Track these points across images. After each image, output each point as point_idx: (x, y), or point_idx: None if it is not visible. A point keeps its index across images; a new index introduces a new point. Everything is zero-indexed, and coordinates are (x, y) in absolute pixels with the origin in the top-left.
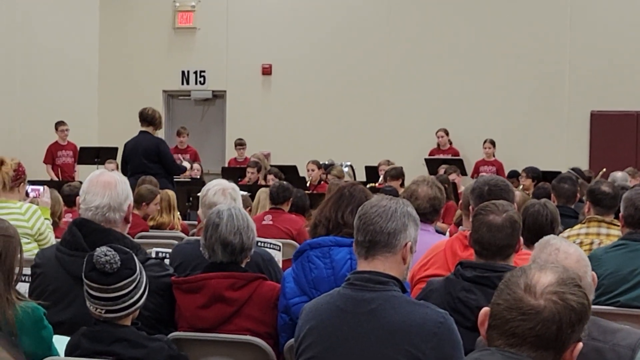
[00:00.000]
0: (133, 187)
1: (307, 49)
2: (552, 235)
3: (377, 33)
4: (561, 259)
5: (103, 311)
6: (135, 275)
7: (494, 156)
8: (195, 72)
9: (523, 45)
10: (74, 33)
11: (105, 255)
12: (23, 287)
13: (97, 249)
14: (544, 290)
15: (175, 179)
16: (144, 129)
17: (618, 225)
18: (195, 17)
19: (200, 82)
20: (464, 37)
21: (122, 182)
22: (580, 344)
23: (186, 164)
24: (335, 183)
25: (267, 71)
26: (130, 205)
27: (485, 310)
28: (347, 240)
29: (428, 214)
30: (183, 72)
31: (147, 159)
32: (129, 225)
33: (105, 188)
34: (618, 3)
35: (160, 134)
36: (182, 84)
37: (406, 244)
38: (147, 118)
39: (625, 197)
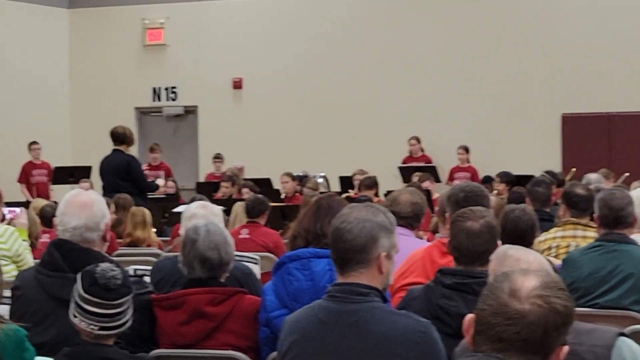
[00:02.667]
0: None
1: (277, 61)
2: (507, 246)
3: (347, 43)
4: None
5: (97, 328)
6: (132, 294)
7: (468, 162)
8: (167, 89)
9: (493, 51)
10: (43, 52)
11: (112, 270)
12: (2, 310)
13: (100, 264)
14: (529, 294)
15: (149, 196)
16: (116, 147)
17: (594, 227)
18: (164, 33)
19: (171, 98)
20: (433, 45)
21: (98, 202)
22: (566, 347)
23: (160, 181)
24: (310, 195)
25: (237, 85)
26: (108, 224)
27: (470, 316)
28: (327, 252)
29: (409, 219)
30: (154, 89)
31: (118, 177)
32: (107, 244)
33: (81, 208)
34: (587, 7)
35: (133, 151)
36: (154, 100)
37: (379, 255)
38: (119, 137)
39: (599, 199)
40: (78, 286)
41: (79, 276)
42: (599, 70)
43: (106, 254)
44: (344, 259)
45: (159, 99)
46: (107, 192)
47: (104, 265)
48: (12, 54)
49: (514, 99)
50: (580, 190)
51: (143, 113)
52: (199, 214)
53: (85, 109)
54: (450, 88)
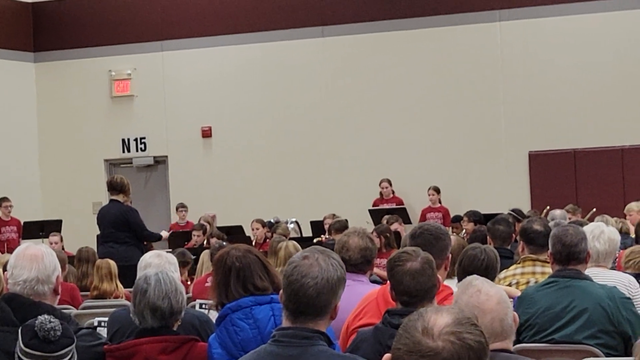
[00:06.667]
0: (101, 254)
1: (246, 108)
2: (474, 276)
3: (314, 88)
4: (482, 301)
5: None
6: (74, 344)
7: (439, 202)
8: (136, 139)
9: (458, 92)
10: (10, 107)
11: (50, 322)
12: None
13: (39, 317)
14: (441, 331)
15: None
16: (113, 197)
17: None
18: (131, 84)
19: (141, 148)
20: (399, 86)
21: (49, 255)
22: None
23: (164, 233)
24: (277, 240)
25: (207, 133)
26: (59, 277)
27: (387, 356)
28: (266, 298)
29: (360, 265)
30: (123, 140)
31: (114, 228)
32: (58, 296)
33: (32, 261)
34: (549, 45)
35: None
36: (123, 151)
37: (336, 306)
38: (117, 187)
39: (552, 235)
40: (19, 341)
41: (19, 330)
42: (562, 107)
43: (58, 307)
44: (303, 311)
45: (129, 150)
46: (103, 241)
47: (42, 318)
48: None
49: (481, 139)
50: (537, 227)
51: (113, 164)
52: (153, 263)
53: (55, 162)
54: (418, 130)
